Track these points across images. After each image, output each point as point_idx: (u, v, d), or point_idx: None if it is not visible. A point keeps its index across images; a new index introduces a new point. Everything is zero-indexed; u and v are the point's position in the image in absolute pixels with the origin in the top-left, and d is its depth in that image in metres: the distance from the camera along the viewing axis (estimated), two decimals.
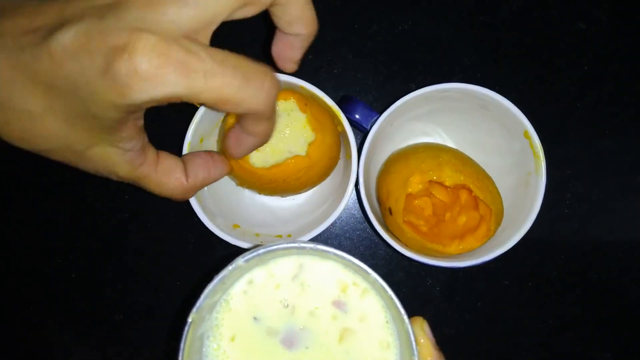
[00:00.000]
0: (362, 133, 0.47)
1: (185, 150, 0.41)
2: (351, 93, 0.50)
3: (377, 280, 0.27)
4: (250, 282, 0.30)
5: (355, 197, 0.50)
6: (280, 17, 0.29)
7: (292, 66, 0.32)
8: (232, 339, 0.29)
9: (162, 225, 0.50)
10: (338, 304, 0.30)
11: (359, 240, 0.50)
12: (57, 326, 0.49)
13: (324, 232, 0.50)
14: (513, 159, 0.43)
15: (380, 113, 0.40)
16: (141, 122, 0.28)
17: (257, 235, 0.43)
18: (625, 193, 0.50)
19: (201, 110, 0.40)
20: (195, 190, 0.35)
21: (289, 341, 0.29)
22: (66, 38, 0.23)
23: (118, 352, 0.49)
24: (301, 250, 0.29)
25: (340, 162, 0.44)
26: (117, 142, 0.28)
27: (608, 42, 0.51)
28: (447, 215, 0.42)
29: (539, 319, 0.50)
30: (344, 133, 0.41)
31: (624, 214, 0.50)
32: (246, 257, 0.27)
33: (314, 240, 0.41)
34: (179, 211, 0.48)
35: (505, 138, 0.43)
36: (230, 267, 0.27)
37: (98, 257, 0.50)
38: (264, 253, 0.27)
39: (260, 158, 0.39)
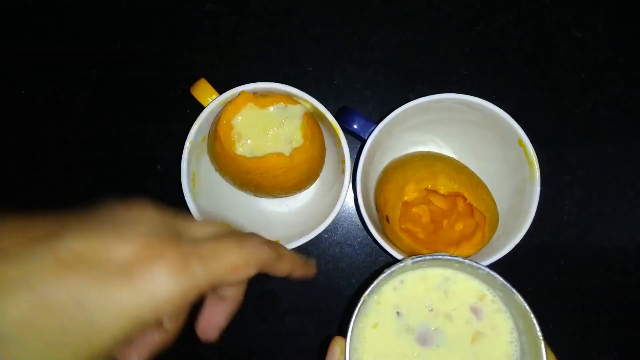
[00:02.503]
0: (362, 143, 0.48)
1: (186, 150, 0.41)
2: (351, 103, 0.51)
3: (523, 306, 0.30)
4: (401, 281, 0.33)
5: (355, 206, 0.51)
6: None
7: (215, 333, 0.29)
8: (374, 326, 0.32)
9: None
10: (474, 310, 0.33)
11: (360, 247, 0.51)
12: None
13: (325, 240, 0.51)
14: (509, 166, 0.43)
15: (378, 123, 0.41)
16: None
17: None
18: (624, 199, 0.50)
19: (206, 111, 0.41)
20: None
21: (423, 339, 0.32)
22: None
23: None
24: (461, 265, 0.32)
25: (337, 178, 0.45)
26: None
27: (604, 49, 0.51)
28: (445, 222, 0.43)
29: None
30: (340, 149, 0.42)
31: (624, 220, 0.50)
32: (415, 260, 0.31)
33: (300, 246, 0.42)
34: None
35: (501, 146, 0.43)
36: (401, 264, 0.31)
37: None
38: (430, 260, 0.31)
39: (246, 148, 0.40)
